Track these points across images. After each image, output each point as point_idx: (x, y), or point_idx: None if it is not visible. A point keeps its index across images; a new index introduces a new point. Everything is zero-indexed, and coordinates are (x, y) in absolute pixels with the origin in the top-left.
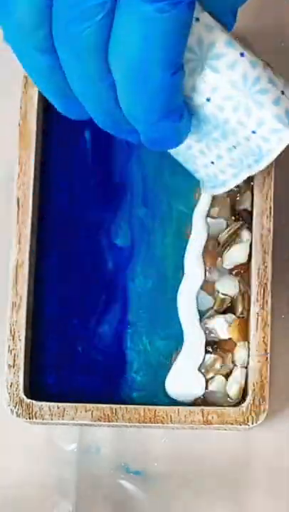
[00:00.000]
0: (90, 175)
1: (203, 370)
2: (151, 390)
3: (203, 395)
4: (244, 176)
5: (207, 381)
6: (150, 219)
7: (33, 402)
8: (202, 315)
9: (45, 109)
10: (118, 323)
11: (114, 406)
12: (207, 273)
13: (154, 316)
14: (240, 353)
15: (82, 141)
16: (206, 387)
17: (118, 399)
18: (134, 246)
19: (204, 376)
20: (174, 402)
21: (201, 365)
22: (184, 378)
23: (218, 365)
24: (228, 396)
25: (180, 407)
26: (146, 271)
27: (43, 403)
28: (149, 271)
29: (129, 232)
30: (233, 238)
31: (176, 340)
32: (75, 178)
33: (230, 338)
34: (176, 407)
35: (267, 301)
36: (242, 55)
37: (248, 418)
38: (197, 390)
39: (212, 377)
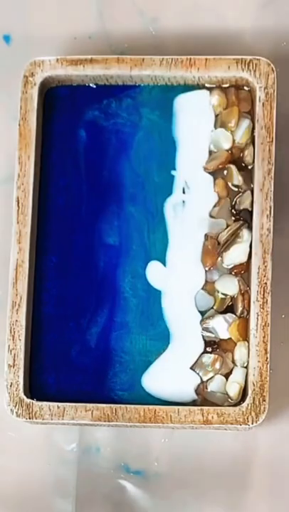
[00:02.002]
0: (88, 174)
1: (202, 371)
2: (143, 390)
3: (197, 393)
4: None
5: (204, 381)
6: (140, 217)
7: (33, 402)
8: (202, 315)
9: (45, 109)
10: (110, 323)
11: (114, 406)
12: (207, 273)
13: (143, 316)
14: (240, 352)
15: (81, 141)
16: (206, 387)
17: (113, 399)
18: (127, 244)
19: (200, 376)
20: (167, 402)
21: (194, 364)
22: (174, 378)
23: (218, 365)
24: (228, 396)
25: (180, 407)
26: (136, 270)
27: (43, 403)
28: (139, 270)
29: (122, 231)
30: (233, 238)
31: (167, 340)
32: (74, 177)
33: (230, 338)
34: (176, 407)
35: (267, 301)
36: None
37: (248, 418)
38: (190, 390)
39: (212, 377)
